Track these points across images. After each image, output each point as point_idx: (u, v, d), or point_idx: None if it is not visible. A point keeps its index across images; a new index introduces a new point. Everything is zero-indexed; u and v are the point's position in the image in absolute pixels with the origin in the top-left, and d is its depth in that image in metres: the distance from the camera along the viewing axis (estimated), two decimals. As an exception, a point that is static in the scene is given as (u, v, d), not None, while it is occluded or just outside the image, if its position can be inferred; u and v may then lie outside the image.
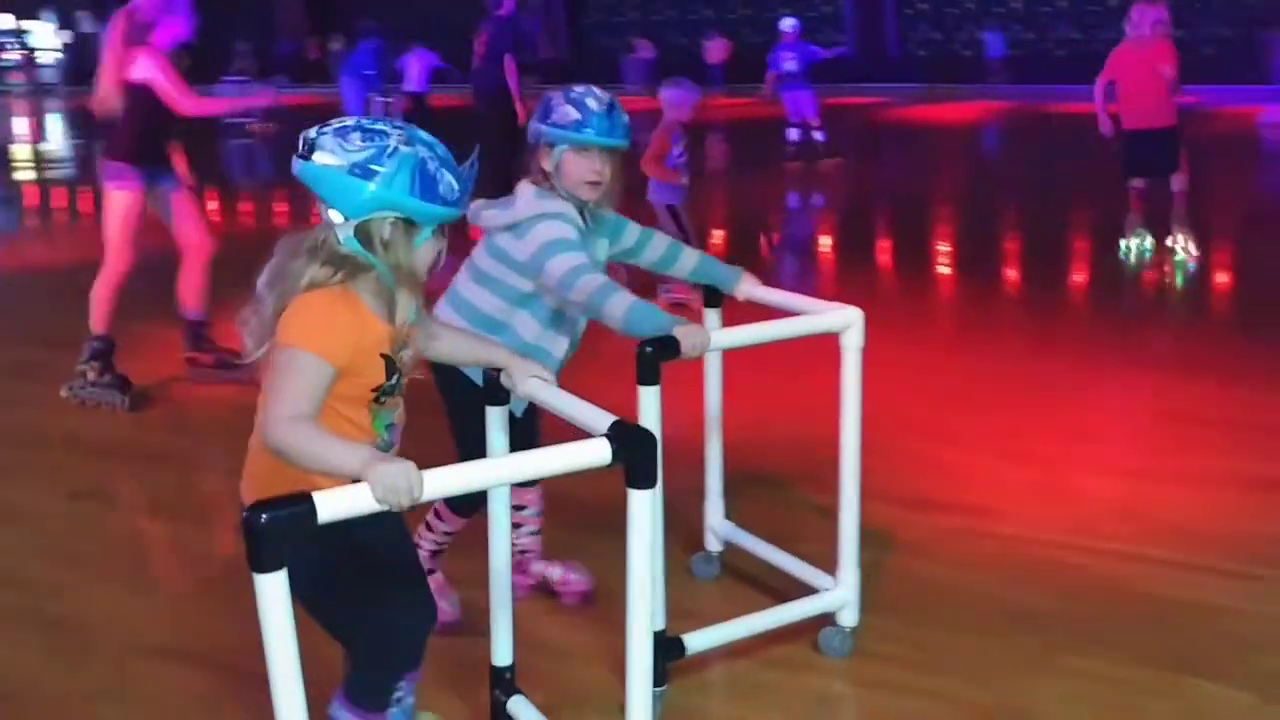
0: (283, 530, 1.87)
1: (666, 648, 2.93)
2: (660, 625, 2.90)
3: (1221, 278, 8.21)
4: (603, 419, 2.19)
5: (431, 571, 3.27)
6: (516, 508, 3.20)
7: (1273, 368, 5.64)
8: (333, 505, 1.92)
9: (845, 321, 2.98)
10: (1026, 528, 3.96)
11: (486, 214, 3.00)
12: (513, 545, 3.03)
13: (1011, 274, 8.82)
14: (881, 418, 4.85)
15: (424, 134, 2.19)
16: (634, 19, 31.41)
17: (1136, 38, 7.81)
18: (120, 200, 5.40)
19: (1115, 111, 7.92)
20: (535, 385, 2.43)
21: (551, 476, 2.45)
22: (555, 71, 30.00)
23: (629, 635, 2.23)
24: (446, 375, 2.94)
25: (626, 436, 2.13)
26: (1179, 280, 7.89)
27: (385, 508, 1.96)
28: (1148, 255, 8.05)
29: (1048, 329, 6.81)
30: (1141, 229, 8.05)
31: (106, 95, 5.32)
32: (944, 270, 8.88)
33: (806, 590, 3.26)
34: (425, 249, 2.22)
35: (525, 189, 2.99)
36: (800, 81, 13.56)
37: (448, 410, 3.13)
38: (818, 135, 13.66)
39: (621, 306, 2.77)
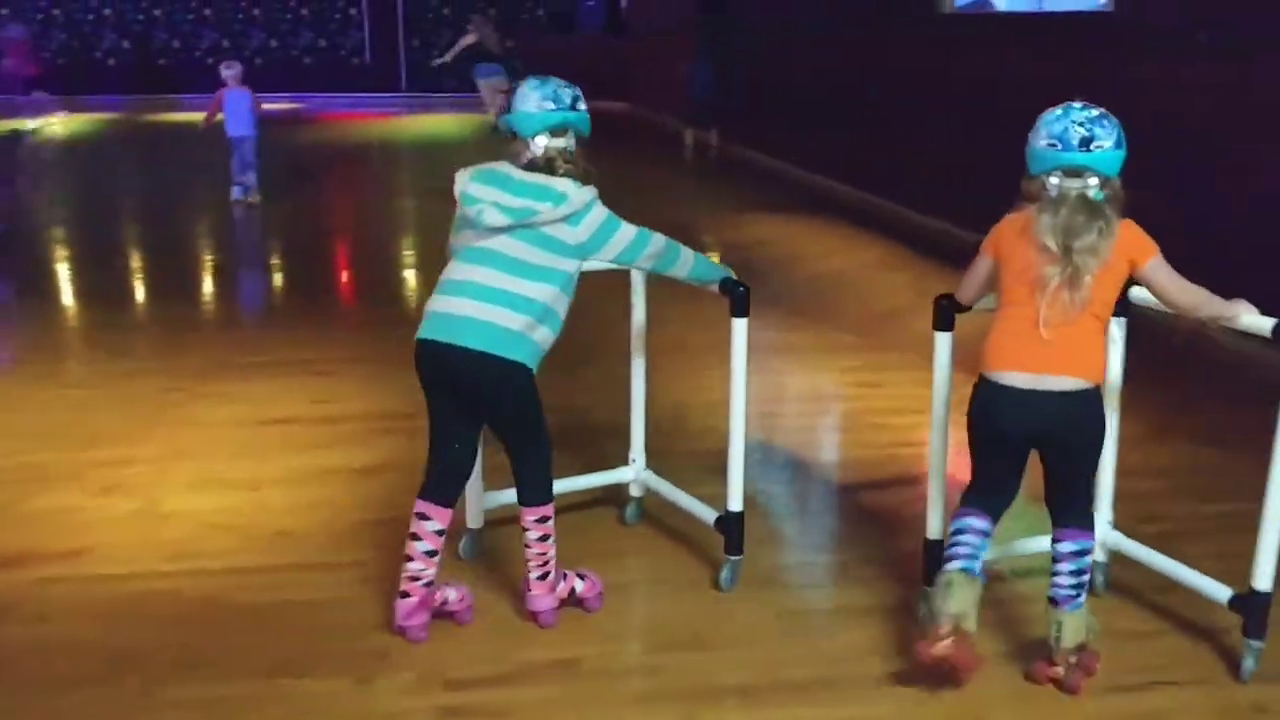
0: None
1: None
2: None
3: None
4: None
5: (430, 583, 3.31)
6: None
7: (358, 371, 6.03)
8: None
9: None
10: (124, 563, 3.83)
11: (542, 207, 3.12)
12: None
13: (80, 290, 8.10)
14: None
15: None
16: None
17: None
18: None
19: None
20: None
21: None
22: None
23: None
24: (516, 368, 3.15)
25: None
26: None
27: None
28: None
29: (140, 346, 6.69)
30: None
31: None
32: None
33: None
34: None
35: (567, 182, 3.17)
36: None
37: (523, 400, 3.25)
38: None
39: (689, 254, 3.41)
